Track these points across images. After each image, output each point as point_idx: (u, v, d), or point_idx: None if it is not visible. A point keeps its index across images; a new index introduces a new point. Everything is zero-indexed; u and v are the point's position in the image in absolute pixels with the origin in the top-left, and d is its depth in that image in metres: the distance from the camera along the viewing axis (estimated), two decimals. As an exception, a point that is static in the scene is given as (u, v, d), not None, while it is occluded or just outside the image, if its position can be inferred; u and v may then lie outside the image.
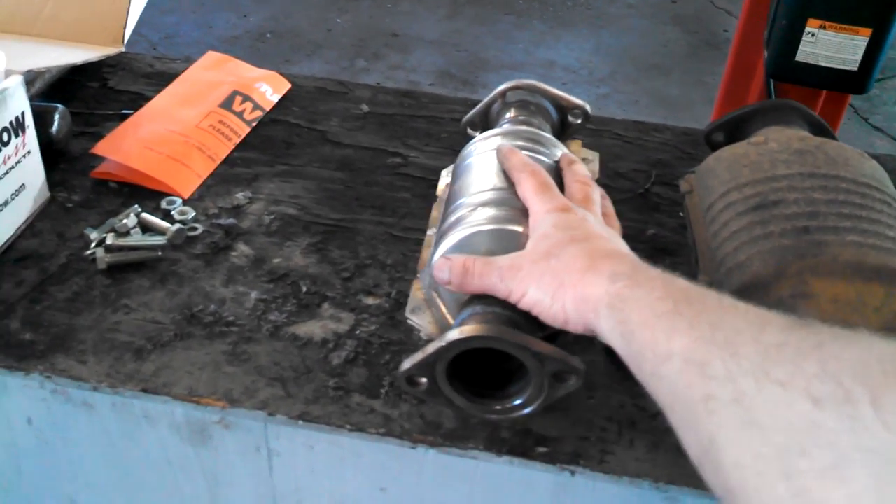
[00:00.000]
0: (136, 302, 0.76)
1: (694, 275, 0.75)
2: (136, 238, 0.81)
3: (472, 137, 0.87)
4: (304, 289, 0.78)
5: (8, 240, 0.81)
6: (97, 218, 0.84)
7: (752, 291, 0.66)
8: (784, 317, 0.45)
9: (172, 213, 0.85)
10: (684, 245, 0.84)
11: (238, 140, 0.97)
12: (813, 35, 1.23)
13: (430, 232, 0.79)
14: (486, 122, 0.88)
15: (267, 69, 1.10)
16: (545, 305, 0.59)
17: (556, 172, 0.72)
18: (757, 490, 0.39)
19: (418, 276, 0.74)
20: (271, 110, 1.03)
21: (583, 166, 0.72)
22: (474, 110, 0.87)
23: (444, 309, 0.68)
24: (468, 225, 0.66)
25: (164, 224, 0.83)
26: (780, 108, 0.84)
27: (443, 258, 0.65)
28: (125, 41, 1.05)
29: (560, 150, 0.76)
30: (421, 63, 3.28)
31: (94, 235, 0.81)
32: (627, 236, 0.67)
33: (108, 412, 0.69)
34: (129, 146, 0.91)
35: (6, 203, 0.79)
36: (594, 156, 0.87)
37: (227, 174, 0.92)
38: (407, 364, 0.60)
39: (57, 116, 0.91)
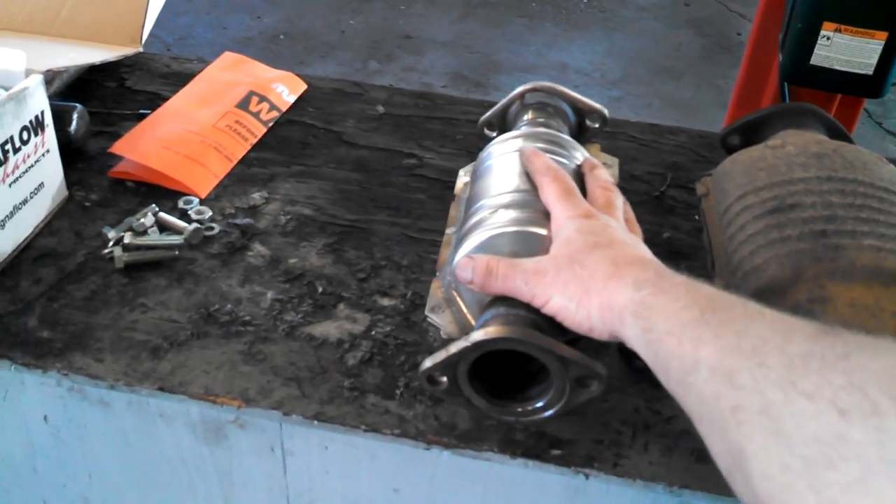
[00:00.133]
0: (153, 301, 0.76)
1: (709, 278, 0.75)
2: (154, 237, 0.82)
3: (488, 138, 0.87)
4: (320, 289, 0.78)
5: (26, 238, 0.81)
6: (115, 217, 0.85)
7: (769, 295, 0.66)
8: (810, 324, 0.45)
9: (189, 212, 0.86)
10: (700, 248, 0.84)
11: (254, 140, 0.98)
12: (828, 38, 1.22)
13: (450, 230, 0.79)
14: (503, 123, 0.88)
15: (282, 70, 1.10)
16: (570, 312, 0.59)
17: (578, 176, 0.72)
18: (785, 502, 0.40)
19: (438, 274, 0.74)
20: (287, 111, 1.04)
21: (605, 171, 0.72)
22: (492, 111, 0.87)
23: (464, 308, 0.68)
24: (490, 226, 0.66)
25: (181, 223, 0.83)
26: (797, 112, 0.84)
27: (466, 257, 0.65)
28: (143, 41, 1.05)
29: (579, 153, 0.76)
30: (434, 65, 3.29)
31: (111, 234, 0.81)
32: (643, 240, 0.67)
33: (124, 410, 0.70)
34: (146, 146, 0.92)
35: (25, 202, 0.80)
36: (613, 161, 0.87)
37: (244, 174, 0.93)
38: (429, 362, 0.61)
39: (75, 116, 0.92)
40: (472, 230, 0.67)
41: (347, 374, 0.70)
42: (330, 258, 0.82)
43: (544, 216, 0.66)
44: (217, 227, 0.84)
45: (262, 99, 1.03)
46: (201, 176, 0.90)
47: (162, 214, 0.84)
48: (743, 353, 0.45)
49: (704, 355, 0.47)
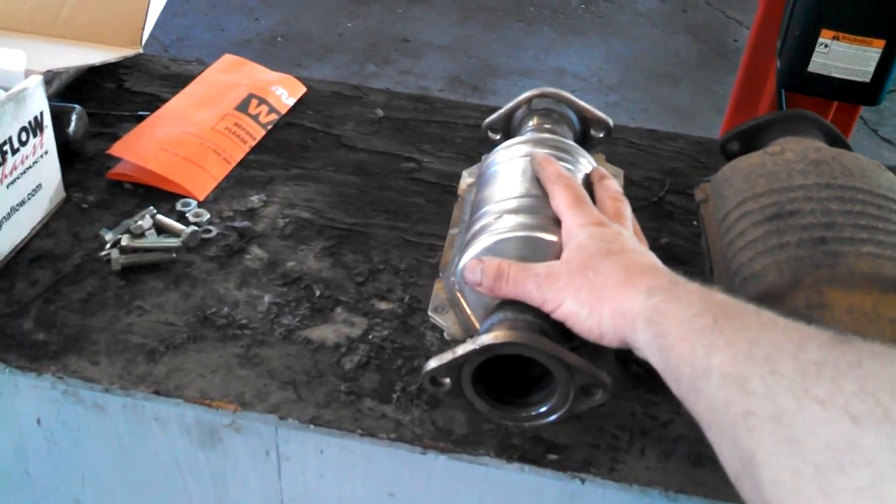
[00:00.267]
0: (149, 304, 0.76)
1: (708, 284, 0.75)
2: (151, 240, 0.82)
3: (490, 141, 0.87)
4: (318, 293, 0.78)
5: (23, 240, 0.81)
6: (112, 219, 0.85)
7: (767, 302, 0.66)
8: (823, 332, 0.45)
9: (187, 215, 0.86)
10: (698, 254, 0.84)
11: (253, 143, 0.98)
12: (826, 46, 1.23)
13: (453, 231, 0.79)
14: (507, 127, 0.87)
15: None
16: (581, 318, 0.58)
17: (587, 185, 0.72)
18: None
19: (441, 275, 0.74)
20: (286, 114, 1.03)
21: (614, 182, 0.72)
22: (497, 114, 0.87)
23: (468, 310, 0.68)
24: (497, 231, 0.66)
25: (179, 226, 0.83)
26: (796, 119, 0.84)
27: (475, 259, 0.65)
28: (143, 42, 1.05)
29: (585, 160, 0.76)
30: (431, 69, 3.29)
31: (108, 236, 0.81)
32: (646, 248, 0.67)
33: (119, 414, 0.69)
34: (144, 147, 0.92)
35: (22, 203, 0.80)
36: (618, 171, 0.86)
37: (242, 177, 0.93)
38: (434, 363, 0.60)
39: (74, 117, 0.91)
40: (479, 234, 0.67)
41: (344, 378, 0.70)
42: (328, 262, 0.82)
43: (553, 222, 0.66)
44: (215, 230, 0.84)
45: (262, 101, 1.02)
46: (199, 178, 0.90)
47: (159, 217, 0.84)
48: (755, 360, 0.45)
49: (716, 362, 0.47)
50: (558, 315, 0.60)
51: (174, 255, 0.80)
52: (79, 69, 1.03)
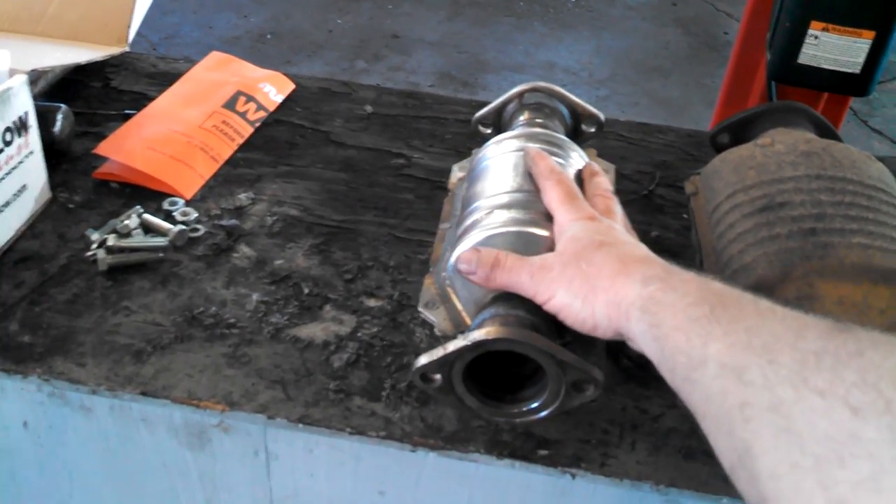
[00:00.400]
0: (136, 304, 0.75)
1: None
2: (138, 239, 0.81)
3: (480, 135, 0.87)
4: (306, 290, 0.78)
5: (9, 241, 0.80)
6: (99, 219, 0.84)
7: (758, 293, 0.66)
8: (823, 321, 0.44)
9: (174, 214, 0.85)
10: (688, 247, 0.84)
11: (241, 141, 0.97)
12: (816, 37, 1.22)
13: (443, 226, 0.78)
14: (498, 121, 0.87)
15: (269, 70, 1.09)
16: (574, 310, 0.58)
17: (579, 181, 0.71)
18: (793, 501, 0.39)
19: (431, 270, 0.73)
20: (275, 111, 1.03)
21: (605, 179, 0.72)
22: (488, 108, 0.87)
23: (459, 306, 0.67)
24: (489, 226, 0.66)
25: (166, 225, 0.83)
26: (786, 110, 0.84)
27: (471, 249, 0.64)
28: (129, 41, 1.04)
29: (577, 153, 0.76)
30: (421, 64, 3.28)
31: (95, 236, 0.80)
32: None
33: (106, 416, 0.69)
34: (131, 146, 0.91)
35: (7, 204, 0.79)
36: (609, 167, 0.86)
37: (230, 175, 0.92)
38: (424, 359, 0.60)
39: (59, 116, 0.91)
40: (470, 229, 0.67)
41: (333, 377, 0.70)
42: (316, 259, 0.81)
43: (545, 217, 0.66)
44: (202, 229, 0.83)
45: (250, 99, 1.02)
46: (187, 177, 0.89)
47: (146, 216, 0.83)
48: (753, 349, 0.44)
49: (713, 351, 0.47)
50: (550, 307, 0.60)
51: (161, 254, 0.80)
52: (65, 68, 1.03)
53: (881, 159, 0.77)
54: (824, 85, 1.27)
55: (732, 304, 0.49)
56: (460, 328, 0.67)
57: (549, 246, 0.63)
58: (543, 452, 0.65)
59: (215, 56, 1.11)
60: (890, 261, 0.64)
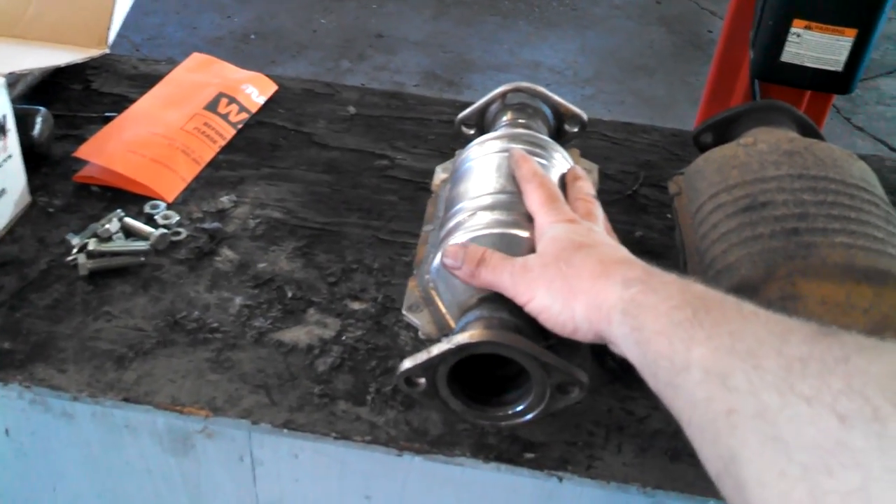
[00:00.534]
0: (117, 309, 0.75)
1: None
2: (119, 243, 0.80)
3: (464, 136, 0.86)
4: (290, 294, 0.77)
5: (-13, 246, 0.79)
6: (79, 223, 0.83)
7: (741, 294, 0.65)
8: (807, 325, 0.44)
9: (156, 217, 0.84)
10: (672, 247, 0.84)
11: (223, 143, 0.96)
12: (798, 35, 1.22)
13: (427, 228, 0.78)
14: (481, 121, 0.87)
15: (252, 70, 1.09)
16: (553, 312, 0.58)
17: (562, 183, 0.71)
18: None
19: (415, 272, 0.73)
20: (257, 112, 1.02)
21: (587, 183, 0.71)
22: (471, 108, 0.86)
23: (443, 308, 0.67)
24: (472, 228, 0.65)
25: (148, 229, 0.82)
26: (769, 109, 0.84)
27: (458, 245, 0.64)
28: (109, 43, 1.03)
29: (560, 154, 0.76)
30: (406, 64, 3.28)
31: (75, 241, 0.79)
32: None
33: (89, 422, 0.68)
34: (112, 149, 0.90)
35: (-15, 208, 0.78)
36: (592, 167, 0.86)
37: (212, 177, 0.91)
38: (408, 363, 0.60)
39: (39, 119, 0.90)
40: (454, 231, 0.67)
41: (317, 381, 0.69)
42: (300, 262, 0.81)
43: (527, 219, 0.65)
44: (184, 232, 0.83)
45: (232, 100, 1.01)
46: (168, 180, 0.89)
47: (127, 220, 0.83)
48: (737, 354, 0.44)
49: (697, 356, 0.46)
50: (531, 309, 0.59)
51: (143, 258, 0.79)
52: (44, 70, 1.02)
53: (863, 157, 0.78)
54: (807, 83, 1.27)
55: (715, 307, 0.49)
56: (444, 331, 0.66)
57: (531, 248, 0.63)
58: (529, 455, 0.65)
59: (197, 57, 1.10)
60: (872, 260, 0.64)
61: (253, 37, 3.38)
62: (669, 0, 3.82)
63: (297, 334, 0.73)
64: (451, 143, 0.96)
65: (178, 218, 0.84)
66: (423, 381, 0.60)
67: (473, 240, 0.64)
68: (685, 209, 0.79)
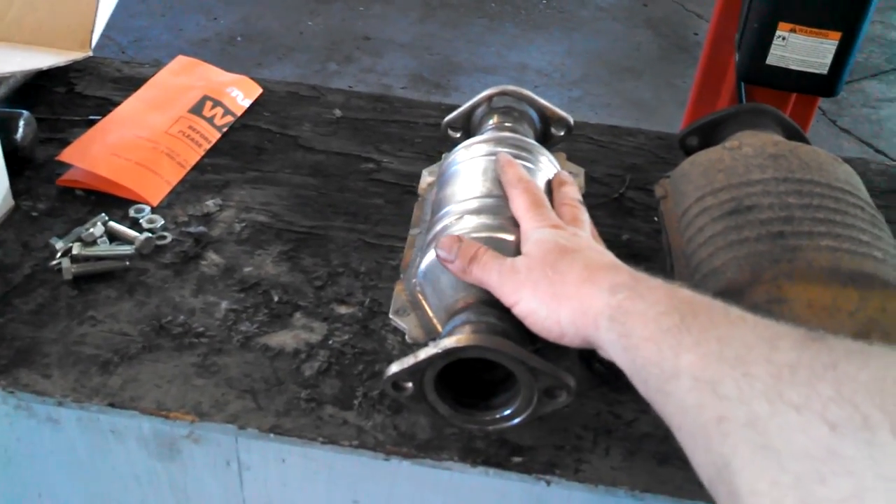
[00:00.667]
0: (102, 313, 0.74)
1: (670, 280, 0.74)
2: (104, 248, 0.80)
3: (450, 139, 0.86)
4: (276, 298, 0.77)
5: (-30, 250, 0.79)
6: (63, 227, 0.82)
7: (728, 297, 0.66)
8: (795, 330, 0.44)
9: (141, 221, 0.84)
10: (658, 250, 0.84)
11: (208, 146, 0.96)
12: (784, 38, 1.23)
13: (413, 231, 0.78)
14: (467, 125, 0.87)
15: (238, 73, 1.08)
16: (539, 317, 0.58)
17: (549, 191, 0.71)
18: None
19: (401, 276, 0.73)
20: (242, 115, 1.02)
21: (573, 189, 0.71)
22: (457, 112, 0.86)
23: (430, 312, 0.67)
24: (459, 232, 0.65)
25: (132, 233, 0.81)
26: (754, 113, 0.84)
27: (453, 237, 0.64)
28: (93, 45, 1.03)
29: (546, 158, 0.76)
30: (393, 66, 3.27)
31: (59, 245, 0.79)
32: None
33: (74, 427, 0.68)
34: (96, 153, 0.90)
35: (-32, 213, 0.77)
36: (579, 171, 0.86)
37: (197, 181, 0.91)
38: (395, 368, 0.59)
39: (22, 123, 0.89)
40: (440, 235, 0.66)
41: (304, 385, 0.69)
42: (286, 266, 0.81)
43: (513, 223, 0.65)
44: (169, 236, 0.82)
45: (217, 103, 1.01)
46: (153, 183, 0.88)
47: (112, 224, 0.82)
48: (726, 361, 0.44)
49: (686, 363, 0.46)
50: (517, 312, 0.59)
51: (127, 262, 0.78)
52: (26, 73, 1.01)
53: (849, 160, 0.78)
54: (793, 86, 1.28)
55: (703, 313, 0.49)
56: (431, 335, 0.66)
57: (517, 252, 0.63)
58: (517, 459, 0.65)
59: (181, 60, 1.09)
60: (857, 263, 0.65)
61: (239, 39, 3.37)
62: (656, 2, 3.83)
63: (283, 338, 0.73)
64: (438, 146, 0.96)
65: (163, 222, 0.84)
66: (410, 385, 0.60)
67: None
68: (671, 212, 0.79)
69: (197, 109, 0.99)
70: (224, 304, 0.76)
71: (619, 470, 0.65)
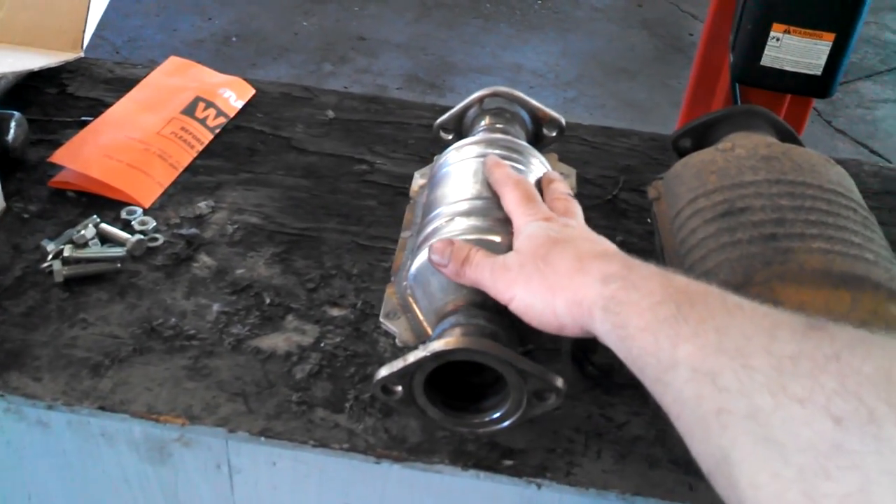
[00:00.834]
0: (93, 316, 0.74)
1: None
2: (95, 250, 0.79)
3: (442, 141, 0.86)
4: (268, 300, 0.77)
5: (-40, 252, 0.78)
6: (54, 229, 0.82)
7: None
8: (794, 318, 0.43)
9: (132, 223, 0.83)
10: (652, 252, 0.84)
11: (201, 147, 0.95)
12: (777, 40, 1.23)
13: (405, 234, 0.78)
14: (459, 126, 0.87)
15: (232, 73, 1.08)
16: (536, 311, 0.57)
17: (538, 188, 0.71)
18: None
19: (392, 279, 0.72)
20: (235, 117, 1.01)
21: (562, 184, 0.71)
22: (448, 114, 0.86)
23: (420, 316, 0.67)
24: (450, 234, 0.65)
25: (124, 235, 0.81)
26: (747, 114, 0.84)
27: (445, 241, 0.63)
28: (84, 46, 1.02)
29: (537, 159, 0.76)
30: (388, 67, 3.27)
31: (50, 247, 0.78)
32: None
33: (64, 431, 0.67)
34: (88, 154, 0.89)
35: (-42, 214, 0.77)
36: (570, 171, 0.86)
37: (190, 183, 0.91)
38: (385, 371, 0.59)
39: (13, 124, 0.89)
40: (431, 237, 0.66)
41: (295, 388, 0.69)
42: (278, 268, 0.80)
43: (502, 224, 0.65)
44: (161, 238, 0.82)
45: (209, 105, 1.00)
46: (145, 185, 0.88)
47: (103, 226, 0.82)
48: (725, 352, 0.43)
49: (683, 354, 0.46)
50: (514, 309, 0.59)
51: (119, 265, 0.78)
52: (18, 74, 1.00)
53: (842, 162, 0.78)
54: (787, 87, 1.28)
55: (699, 301, 0.48)
56: (422, 338, 0.66)
57: (508, 252, 0.63)
58: (508, 462, 0.64)
59: (174, 61, 1.09)
60: (850, 265, 0.64)
61: (234, 39, 3.37)
62: (650, 3, 3.83)
63: (275, 341, 0.73)
64: (431, 147, 0.96)
65: (154, 224, 0.84)
66: (399, 388, 0.60)
67: None
68: (664, 214, 0.79)
69: (189, 111, 0.98)
70: (216, 307, 0.76)
71: (611, 473, 0.64)
